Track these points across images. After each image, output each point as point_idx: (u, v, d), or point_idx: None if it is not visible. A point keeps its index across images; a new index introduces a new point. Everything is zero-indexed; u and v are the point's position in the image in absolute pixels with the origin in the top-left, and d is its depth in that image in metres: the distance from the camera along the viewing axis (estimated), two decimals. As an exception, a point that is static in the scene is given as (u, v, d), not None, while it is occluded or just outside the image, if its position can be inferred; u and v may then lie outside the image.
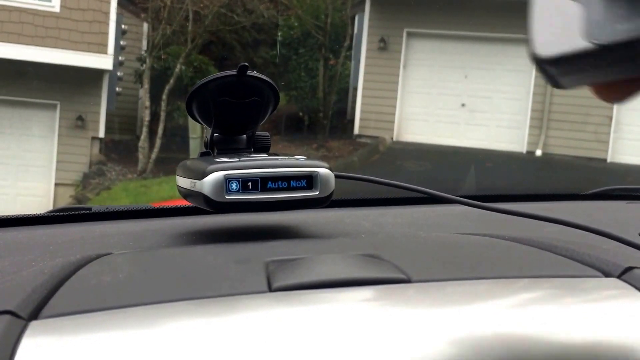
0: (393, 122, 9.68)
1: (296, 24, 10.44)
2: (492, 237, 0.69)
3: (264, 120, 0.81)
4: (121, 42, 9.76)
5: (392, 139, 9.68)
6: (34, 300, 0.45)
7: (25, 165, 8.82)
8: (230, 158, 0.70)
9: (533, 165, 9.22)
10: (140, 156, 9.10)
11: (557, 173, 8.37)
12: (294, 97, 10.20)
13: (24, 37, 8.70)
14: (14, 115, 8.80)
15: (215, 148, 0.80)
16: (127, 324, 0.42)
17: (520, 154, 9.55)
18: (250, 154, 0.78)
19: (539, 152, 9.50)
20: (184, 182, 0.73)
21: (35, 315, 0.43)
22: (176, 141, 9.23)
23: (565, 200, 1.31)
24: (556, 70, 0.34)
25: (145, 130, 9.16)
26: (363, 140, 9.59)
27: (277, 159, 0.70)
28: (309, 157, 0.72)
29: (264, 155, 0.72)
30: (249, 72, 0.75)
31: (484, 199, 1.30)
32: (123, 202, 8.09)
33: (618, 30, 0.31)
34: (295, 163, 0.70)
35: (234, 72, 0.75)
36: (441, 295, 0.47)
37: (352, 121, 9.94)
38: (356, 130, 9.77)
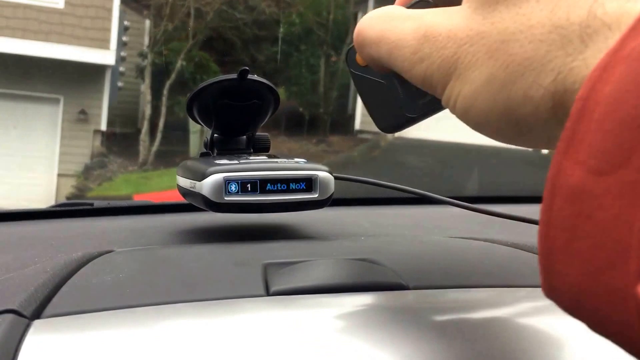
0: (395, 118, 9.61)
1: (297, 20, 10.40)
2: (493, 242, 0.69)
3: (264, 122, 0.82)
4: (123, 38, 9.76)
5: (394, 135, 9.65)
6: (37, 299, 0.45)
7: (29, 157, 8.83)
8: (229, 160, 0.70)
9: (538, 163, 9.17)
10: (141, 149, 9.10)
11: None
12: (295, 93, 10.18)
13: (29, 33, 8.70)
14: (18, 109, 8.80)
15: (215, 148, 0.80)
16: (128, 325, 0.42)
17: (526, 151, 9.50)
18: (250, 155, 0.78)
19: (545, 150, 9.44)
20: (184, 182, 0.74)
21: (38, 314, 0.43)
22: (177, 135, 9.21)
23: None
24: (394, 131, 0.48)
25: (146, 123, 9.16)
26: (364, 135, 9.56)
27: (276, 162, 0.70)
28: (308, 153, 0.73)
29: (264, 158, 0.72)
30: (250, 76, 0.75)
31: (485, 200, 1.30)
32: (124, 193, 8.10)
33: (417, 103, 0.45)
34: (294, 166, 0.70)
35: (234, 76, 0.75)
36: (440, 302, 0.48)
37: (352, 116, 9.90)
38: (357, 126, 9.73)
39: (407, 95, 0.45)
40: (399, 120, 0.47)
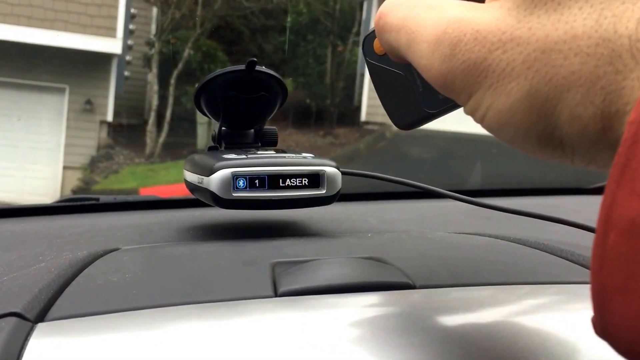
0: (399, 109, 9.60)
1: (305, 10, 10.39)
2: (497, 238, 0.69)
3: (272, 116, 0.82)
4: (130, 26, 9.74)
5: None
6: (41, 302, 0.45)
7: (34, 148, 8.81)
8: (237, 154, 0.70)
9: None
10: (148, 140, 9.10)
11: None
12: (302, 83, 10.18)
13: (34, 20, 8.68)
14: (23, 98, 8.79)
15: (222, 142, 0.80)
16: (134, 328, 0.42)
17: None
18: (258, 149, 0.78)
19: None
20: (191, 177, 0.74)
21: (41, 317, 0.43)
22: (184, 126, 9.21)
23: (569, 195, 1.31)
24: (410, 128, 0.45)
25: (153, 114, 9.16)
26: (370, 127, 9.55)
27: (284, 157, 0.70)
28: (316, 145, 0.72)
29: (272, 153, 0.72)
30: (258, 68, 0.75)
31: (488, 193, 1.30)
32: (130, 186, 8.10)
33: (437, 98, 0.42)
34: (302, 161, 0.70)
35: (242, 67, 0.75)
36: (445, 301, 0.47)
37: (359, 108, 9.90)
38: (363, 117, 9.72)
39: (426, 89, 0.42)
40: (416, 115, 0.44)
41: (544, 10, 0.29)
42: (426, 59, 0.33)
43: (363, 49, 0.45)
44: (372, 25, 0.39)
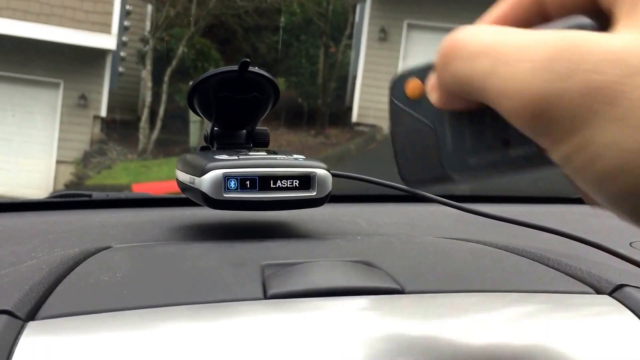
0: (391, 112, 9.57)
1: (298, 10, 10.36)
2: (485, 245, 0.69)
3: (264, 116, 0.82)
4: (125, 23, 9.71)
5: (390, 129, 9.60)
6: (32, 300, 0.45)
7: (28, 143, 8.78)
8: (229, 155, 0.70)
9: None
10: (141, 137, 9.08)
11: (553, 169, 8.26)
12: (294, 83, 10.16)
13: (30, 15, 8.64)
14: (17, 93, 8.75)
15: (214, 142, 0.80)
16: (124, 328, 0.42)
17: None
18: (250, 150, 0.78)
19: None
20: (183, 176, 0.74)
21: (32, 315, 0.43)
22: (177, 123, 9.19)
23: (558, 204, 1.31)
24: (422, 187, 0.41)
25: (146, 111, 9.14)
26: (361, 128, 9.55)
27: (276, 158, 0.70)
28: (307, 145, 0.73)
29: (263, 154, 0.73)
30: (251, 68, 0.75)
31: (477, 199, 1.31)
32: (123, 182, 8.08)
33: (467, 163, 0.36)
34: (293, 163, 0.70)
35: (235, 67, 0.75)
36: (433, 307, 0.48)
37: (350, 109, 9.88)
38: (354, 119, 9.71)
39: (457, 149, 0.37)
40: (432, 174, 0.38)
41: None
42: (521, 80, 0.27)
43: (392, 90, 0.40)
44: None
